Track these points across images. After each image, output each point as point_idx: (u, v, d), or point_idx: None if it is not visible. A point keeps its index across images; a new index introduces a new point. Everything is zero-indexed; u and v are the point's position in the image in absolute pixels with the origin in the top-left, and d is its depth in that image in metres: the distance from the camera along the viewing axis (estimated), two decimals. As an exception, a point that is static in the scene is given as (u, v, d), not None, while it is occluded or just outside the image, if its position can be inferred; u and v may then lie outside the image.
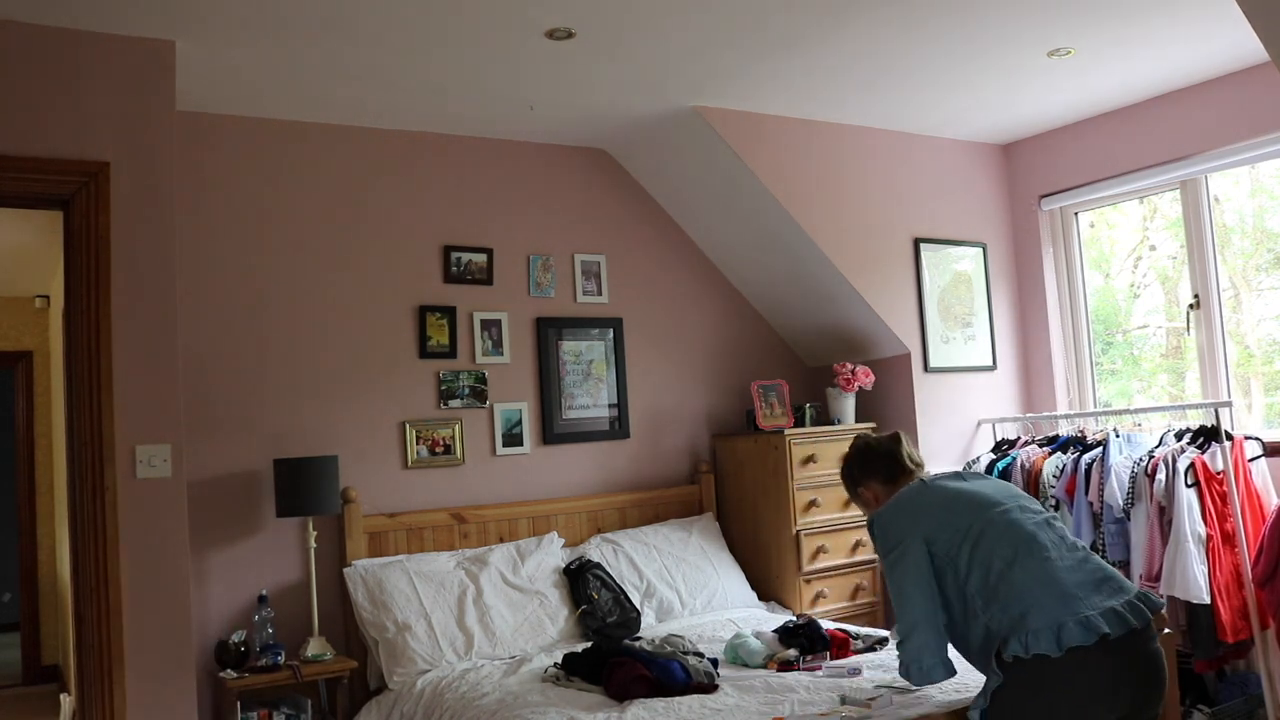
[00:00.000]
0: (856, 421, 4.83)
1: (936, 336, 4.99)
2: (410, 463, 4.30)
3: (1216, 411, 4.08)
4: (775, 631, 3.68)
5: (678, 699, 3.08)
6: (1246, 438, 4.15)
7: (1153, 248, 5.12)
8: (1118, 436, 4.35)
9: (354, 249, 4.29)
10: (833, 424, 4.81)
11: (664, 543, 4.55)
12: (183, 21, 3.25)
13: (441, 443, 4.37)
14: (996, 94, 4.53)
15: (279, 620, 3.87)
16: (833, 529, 4.66)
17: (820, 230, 4.64)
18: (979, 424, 5.07)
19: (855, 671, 3.25)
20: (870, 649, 3.61)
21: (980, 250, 5.21)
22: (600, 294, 4.84)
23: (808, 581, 4.58)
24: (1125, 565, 4.13)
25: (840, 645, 3.55)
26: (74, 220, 3.26)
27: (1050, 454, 4.57)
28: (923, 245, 5.01)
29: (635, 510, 4.76)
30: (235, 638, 3.71)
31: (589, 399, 4.76)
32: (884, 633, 3.77)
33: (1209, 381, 4.58)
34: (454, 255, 4.47)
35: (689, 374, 5.05)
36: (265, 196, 4.13)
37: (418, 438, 4.32)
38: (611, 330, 4.84)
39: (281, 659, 3.69)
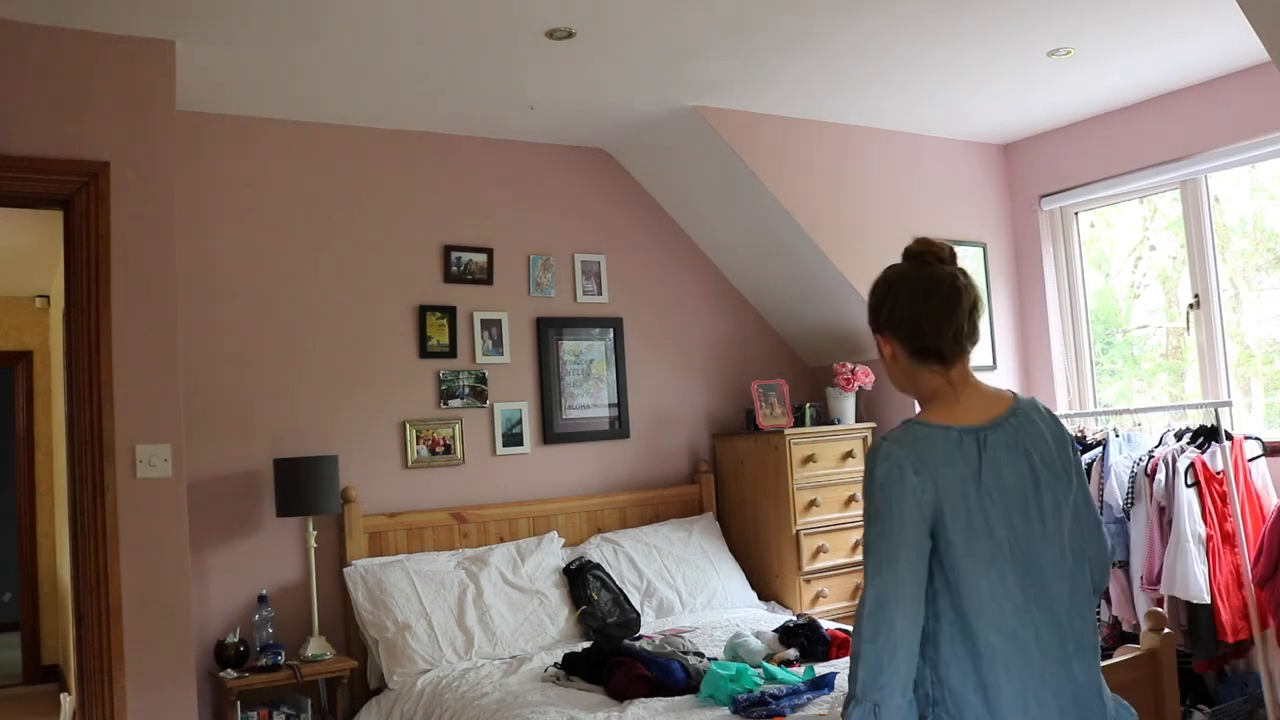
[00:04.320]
0: (856, 421, 4.83)
1: (936, 336, 4.97)
2: (410, 462, 4.30)
3: (1216, 411, 4.08)
4: (775, 631, 3.68)
5: (678, 699, 3.08)
6: (1246, 438, 4.15)
7: (1153, 248, 5.11)
8: (1117, 436, 4.35)
9: (354, 249, 4.28)
10: (833, 424, 4.81)
11: (664, 542, 4.55)
12: (183, 21, 3.25)
13: (441, 442, 4.37)
14: (996, 94, 4.53)
15: (279, 620, 3.88)
16: (833, 529, 4.65)
17: (820, 230, 4.64)
18: (979, 424, 5.06)
19: None
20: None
21: (980, 250, 5.21)
22: (600, 294, 4.84)
23: (808, 581, 4.58)
24: (1125, 565, 4.13)
25: (840, 645, 3.55)
26: (74, 220, 3.26)
27: (1050, 454, 4.56)
28: (923, 245, 5.00)
29: (635, 510, 4.76)
30: (235, 637, 3.71)
31: (589, 399, 4.76)
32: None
33: (1209, 381, 4.58)
34: (454, 255, 4.47)
35: (689, 374, 5.05)
36: (265, 196, 4.13)
37: (418, 437, 4.32)
38: (611, 330, 4.84)
39: (281, 659, 3.69)
